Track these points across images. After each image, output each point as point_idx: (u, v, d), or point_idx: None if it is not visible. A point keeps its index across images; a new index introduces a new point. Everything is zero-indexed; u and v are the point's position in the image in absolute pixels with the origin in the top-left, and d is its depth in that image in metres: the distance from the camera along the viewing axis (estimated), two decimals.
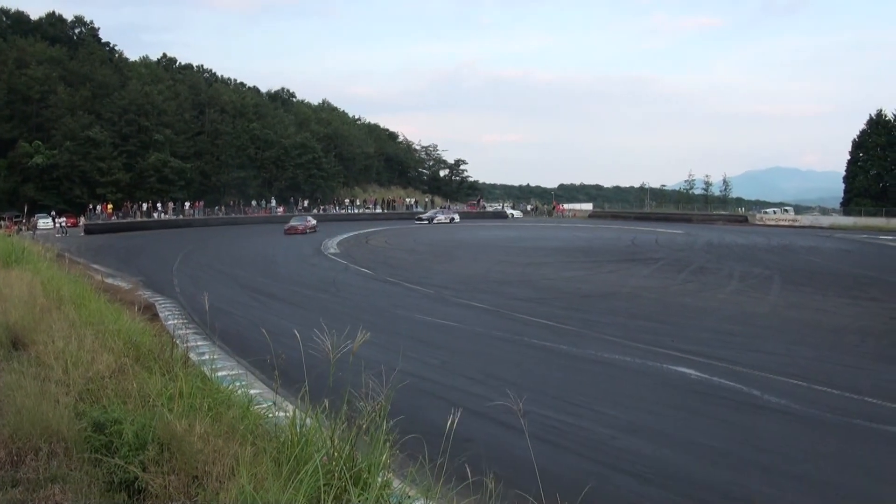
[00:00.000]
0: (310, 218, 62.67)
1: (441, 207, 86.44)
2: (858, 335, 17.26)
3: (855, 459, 9.27)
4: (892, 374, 13.70)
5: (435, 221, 70.59)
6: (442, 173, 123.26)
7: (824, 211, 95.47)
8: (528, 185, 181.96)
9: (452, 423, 4.87)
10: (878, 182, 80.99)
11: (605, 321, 18.89)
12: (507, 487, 5.16)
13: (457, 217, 75.10)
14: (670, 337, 16.62)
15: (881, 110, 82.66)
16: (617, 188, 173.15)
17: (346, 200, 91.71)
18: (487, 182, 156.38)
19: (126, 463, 5.17)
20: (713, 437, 10.00)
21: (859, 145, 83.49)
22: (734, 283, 26.49)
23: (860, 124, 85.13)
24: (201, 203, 77.09)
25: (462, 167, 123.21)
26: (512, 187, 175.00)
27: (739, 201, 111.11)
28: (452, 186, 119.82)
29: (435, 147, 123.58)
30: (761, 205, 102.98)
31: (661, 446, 9.59)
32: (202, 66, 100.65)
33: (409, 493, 5.13)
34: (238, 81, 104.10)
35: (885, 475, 8.78)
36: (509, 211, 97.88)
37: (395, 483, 5.38)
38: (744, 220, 78.26)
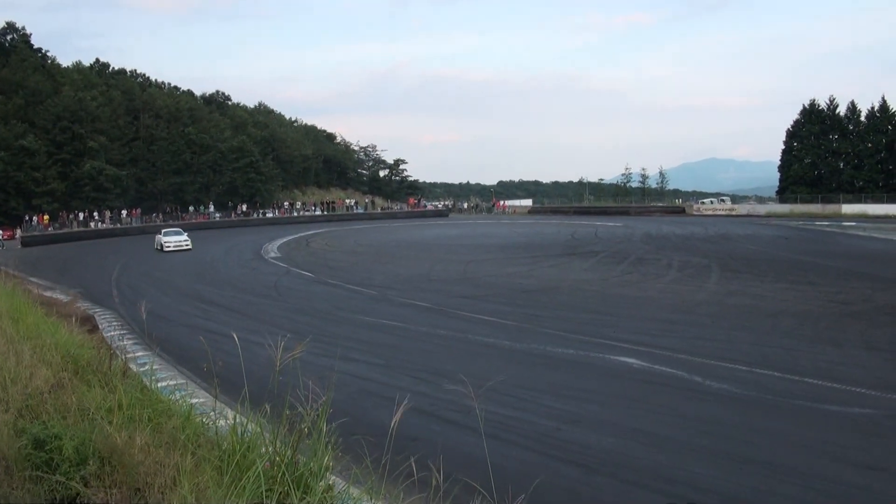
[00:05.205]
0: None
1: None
2: (797, 318, 17.67)
3: (797, 439, 9.48)
4: (830, 354, 14.02)
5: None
6: (382, 173, 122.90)
7: (761, 200, 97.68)
8: (468, 182, 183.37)
9: (395, 422, 4.88)
10: (813, 170, 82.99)
11: (546, 315, 19.06)
12: (454, 483, 5.18)
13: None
14: (612, 328, 16.85)
15: (814, 100, 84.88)
16: (556, 183, 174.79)
17: (286, 203, 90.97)
18: (428, 181, 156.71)
19: (67, 479, 5.10)
20: (657, 424, 10.14)
21: (793, 134, 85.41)
22: (673, 273, 26.94)
23: (793, 114, 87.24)
24: (138, 211, 75.75)
25: (402, 167, 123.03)
26: (452, 185, 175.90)
27: (676, 193, 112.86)
28: (393, 186, 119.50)
29: (374, 147, 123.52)
30: (698, 195, 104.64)
31: (605, 435, 9.71)
32: (136, 70, 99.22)
33: (354, 494, 5.15)
34: (172, 85, 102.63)
35: (828, 453, 8.99)
36: None
37: (341, 484, 5.39)
38: (681, 211, 79.54)
